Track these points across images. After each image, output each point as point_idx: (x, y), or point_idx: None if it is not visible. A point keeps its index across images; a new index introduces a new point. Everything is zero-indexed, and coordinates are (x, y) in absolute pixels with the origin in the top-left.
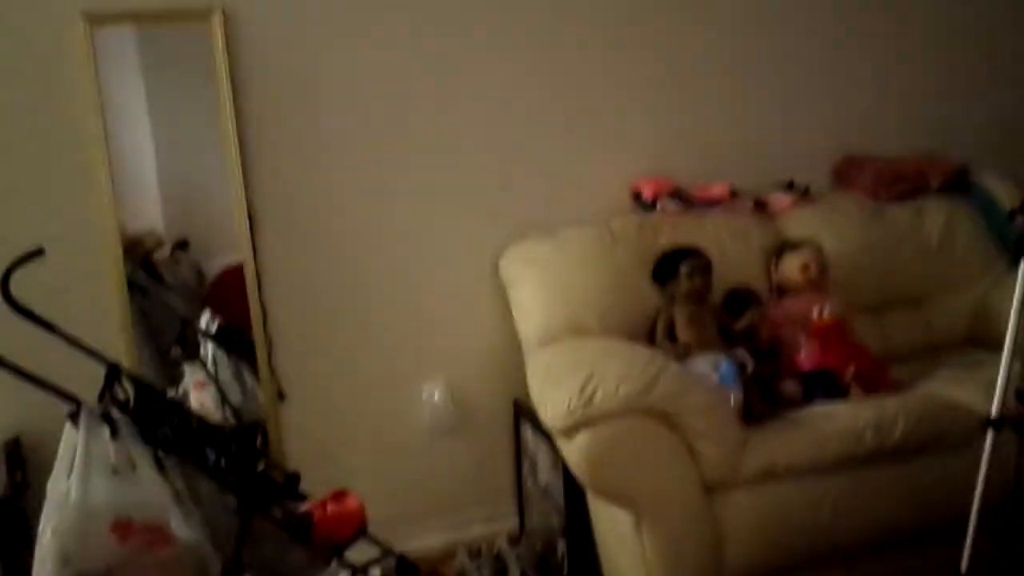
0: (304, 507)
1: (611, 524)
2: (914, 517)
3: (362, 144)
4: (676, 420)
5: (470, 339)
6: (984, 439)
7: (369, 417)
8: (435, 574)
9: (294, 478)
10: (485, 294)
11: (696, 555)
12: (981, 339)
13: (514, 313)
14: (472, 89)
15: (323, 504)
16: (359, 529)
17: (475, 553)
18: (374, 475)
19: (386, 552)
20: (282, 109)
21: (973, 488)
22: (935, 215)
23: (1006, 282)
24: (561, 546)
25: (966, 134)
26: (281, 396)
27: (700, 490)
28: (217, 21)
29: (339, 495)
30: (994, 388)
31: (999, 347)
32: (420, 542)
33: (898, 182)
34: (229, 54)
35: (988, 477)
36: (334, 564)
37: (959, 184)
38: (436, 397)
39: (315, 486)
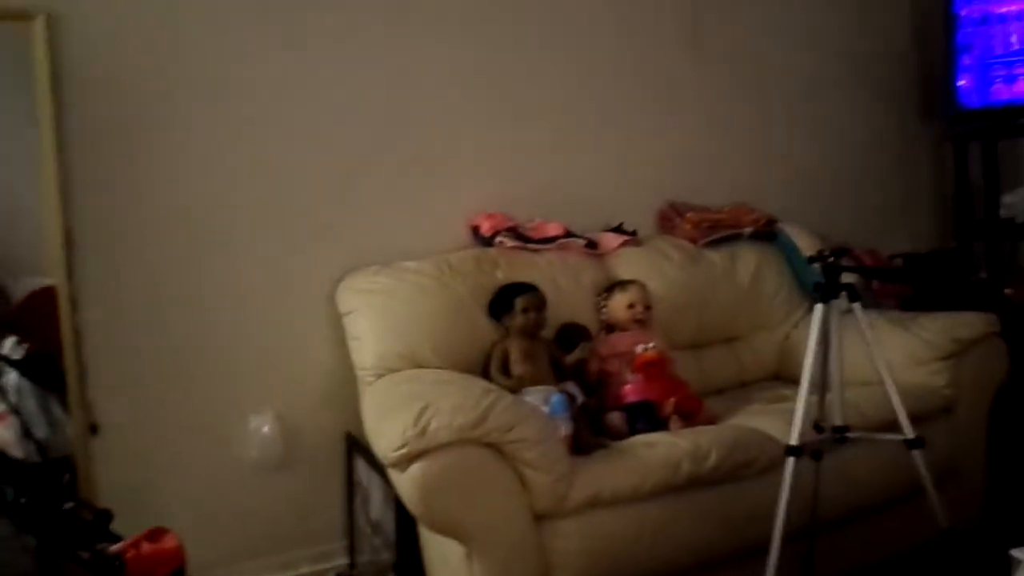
0: (116, 548)
1: (442, 557)
2: (727, 539)
3: (197, 166)
4: (508, 451)
5: (302, 370)
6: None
7: (191, 451)
8: None
9: (105, 516)
10: (319, 324)
11: None
12: (786, 375)
13: (349, 344)
14: (313, 116)
15: (137, 543)
16: (176, 570)
17: None
18: (195, 513)
19: None
20: (111, 125)
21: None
22: (747, 259)
23: (806, 323)
24: None
25: (774, 189)
26: (94, 429)
27: (530, 519)
28: (40, 24)
29: (155, 533)
30: (794, 419)
31: (800, 383)
32: None
33: (715, 228)
34: (53, 62)
35: (789, 500)
36: None
37: (767, 233)
38: (265, 429)
39: (130, 526)
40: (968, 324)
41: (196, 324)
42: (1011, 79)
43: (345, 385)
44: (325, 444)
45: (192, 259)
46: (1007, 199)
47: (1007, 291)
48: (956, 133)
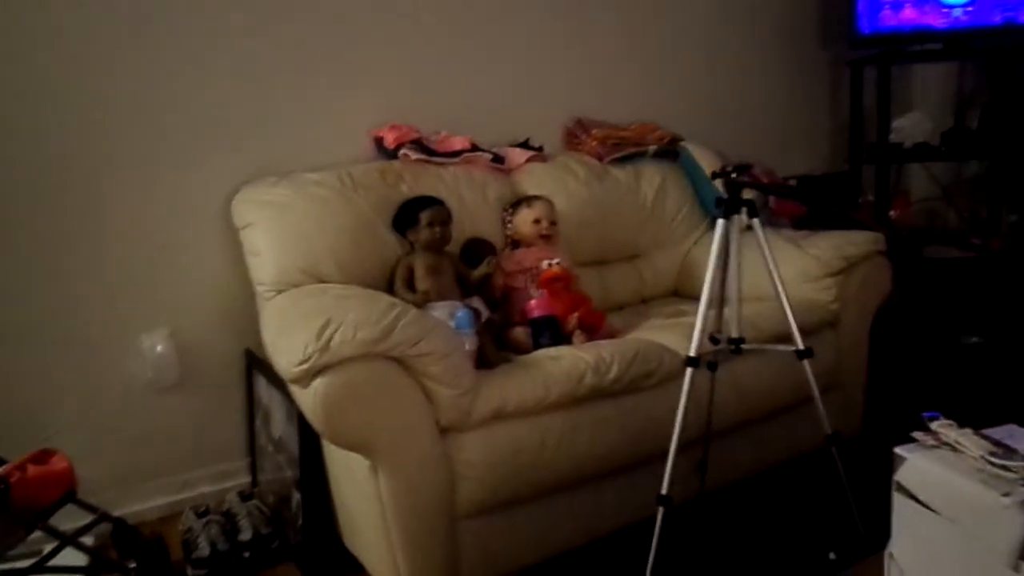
0: None
1: (347, 471)
2: (627, 449)
3: (81, 72)
4: (413, 365)
5: (197, 286)
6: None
7: (80, 371)
8: (157, 536)
9: None
10: (214, 238)
11: (430, 495)
12: (685, 291)
13: (247, 259)
14: (210, 20)
15: (23, 466)
16: (67, 493)
17: (202, 511)
18: (87, 435)
19: (100, 516)
20: None
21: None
22: (651, 177)
23: (706, 240)
24: (296, 498)
25: (679, 110)
26: None
27: (435, 432)
28: None
29: (43, 455)
30: (693, 332)
31: (698, 299)
32: (142, 505)
33: (620, 146)
34: None
35: (686, 409)
36: (38, 533)
37: (671, 152)
38: (159, 348)
39: (18, 450)
40: (856, 243)
41: (84, 240)
42: (899, 6)
43: (242, 301)
44: (223, 362)
45: (77, 170)
46: (897, 124)
47: (891, 213)
48: (853, 58)
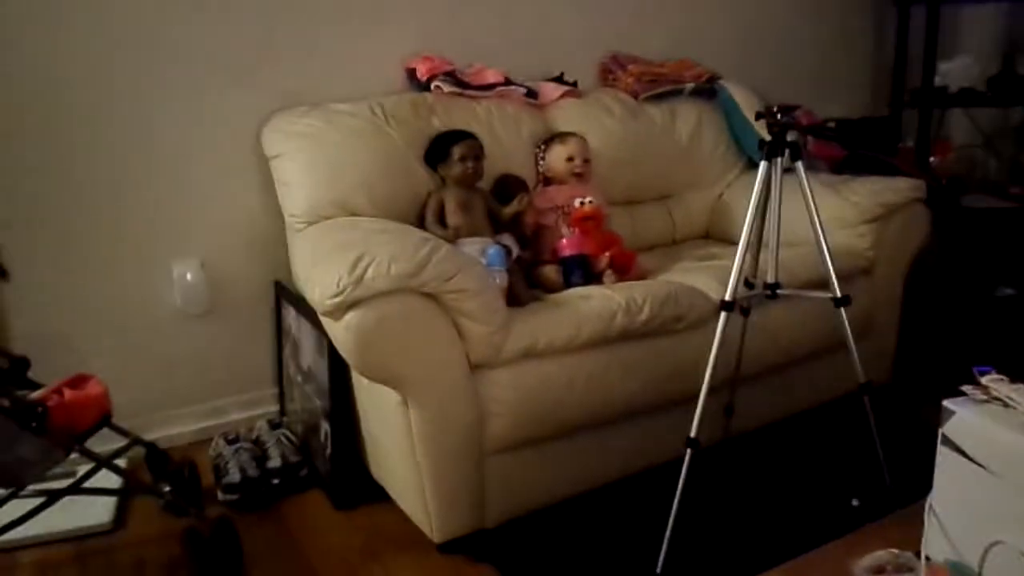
0: (37, 395)
1: (376, 404)
2: (655, 390)
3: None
4: (446, 301)
5: (227, 216)
6: (717, 320)
7: (112, 298)
8: (188, 461)
9: (22, 363)
10: (245, 167)
11: (460, 429)
12: (716, 234)
13: (277, 189)
14: None
15: (59, 390)
16: (102, 417)
17: (232, 438)
18: (119, 361)
19: (134, 440)
20: None
21: (706, 363)
22: (687, 115)
23: (740, 183)
24: (325, 427)
25: (717, 46)
26: (4, 274)
27: (466, 368)
28: None
29: (79, 380)
30: (726, 276)
31: (731, 242)
32: (172, 430)
33: (657, 82)
34: None
35: (718, 353)
36: (74, 455)
37: (709, 90)
38: (189, 277)
39: (51, 375)
40: (895, 189)
41: (113, 169)
42: None
43: (272, 232)
44: (252, 292)
45: (107, 101)
46: (943, 67)
47: (932, 160)
48: None
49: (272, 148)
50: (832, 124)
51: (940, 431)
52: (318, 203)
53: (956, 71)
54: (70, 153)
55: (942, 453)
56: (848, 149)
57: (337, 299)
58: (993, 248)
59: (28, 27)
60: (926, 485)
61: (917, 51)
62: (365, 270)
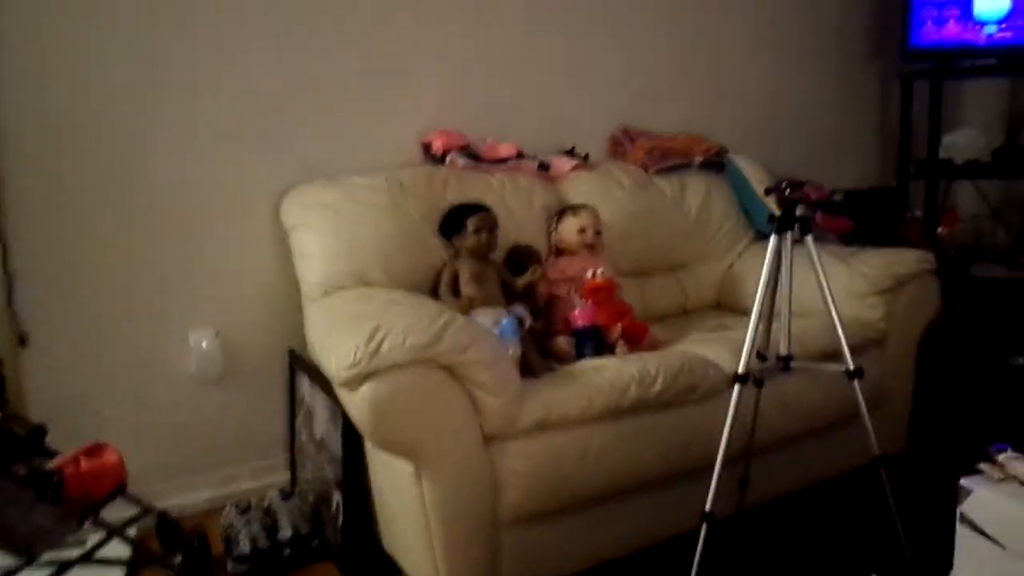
0: (53, 463)
1: (390, 475)
2: (670, 462)
3: (136, 71)
4: (461, 372)
5: (244, 285)
6: (730, 392)
7: (129, 365)
8: (199, 531)
9: (39, 432)
10: (263, 238)
11: (473, 502)
12: (727, 304)
13: (295, 260)
14: (263, 25)
15: (76, 459)
16: (117, 486)
17: (243, 508)
18: (132, 428)
19: (145, 510)
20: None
21: (719, 434)
22: (696, 188)
23: (749, 253)
24: (336, 498)
25: (725, 121)
26: (23, 341)
27: (480, 440)
28: None
29: (95, 449)
30: (738, 347)
31: (741, 312)
32: (184, 499)
33: (666, 156)
34: None
35: (732, 425)
36: (88, 524)
37: (717, 163)
38: (204, 345)
39: (65, 441)
40: (905, 261)
41: (133, 235)
42: (943, 21)
43: (289, 301)
44: (267, 361)
45: (130, 167)
46: (949, 139)
47: (939, 230)
48: (904, 72)
49: (291, 219)
50: (840, 195)
51: (958, 510)
52: (335, 274)
53: (962, 142)
54: (90, 220)
55: (961, 532)
56: (856, 221)
57: (354, 370)
58: (1004, 318)
59: (49, 96)
60: (945, 562)
61: (922, 122)
62: (381, 341)
